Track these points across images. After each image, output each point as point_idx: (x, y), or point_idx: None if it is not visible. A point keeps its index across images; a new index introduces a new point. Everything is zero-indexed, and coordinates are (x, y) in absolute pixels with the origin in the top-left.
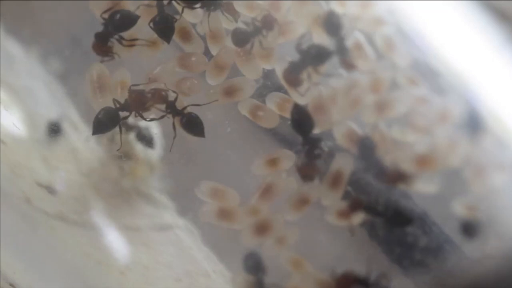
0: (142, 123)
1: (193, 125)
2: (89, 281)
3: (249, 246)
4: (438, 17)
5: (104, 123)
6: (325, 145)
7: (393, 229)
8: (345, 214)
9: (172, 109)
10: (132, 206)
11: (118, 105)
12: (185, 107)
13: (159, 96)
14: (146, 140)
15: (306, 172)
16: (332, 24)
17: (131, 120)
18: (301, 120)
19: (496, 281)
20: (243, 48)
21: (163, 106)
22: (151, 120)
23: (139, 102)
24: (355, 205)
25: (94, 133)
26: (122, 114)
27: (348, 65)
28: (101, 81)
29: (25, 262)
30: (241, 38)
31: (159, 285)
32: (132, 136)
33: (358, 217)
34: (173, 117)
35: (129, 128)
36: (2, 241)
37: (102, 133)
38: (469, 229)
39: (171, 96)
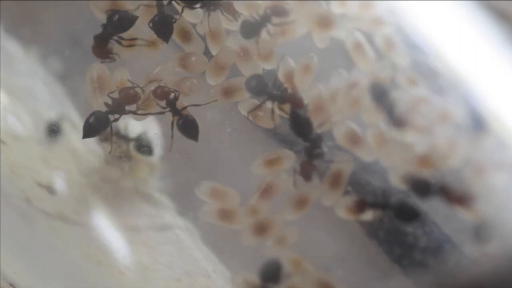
0: (140, 130)
1: (188, 127)
2: (89, 281)
3: (249, 246)
4: (438, 17)
5: (95, 126)
6: (325, 145)
7: (400, 224)
8: (354, 211)
9: (171, 107)
10: (132, 206)
11: (108, 108)
12: (184, 108)
13: (162, 91)
14: (146, 149)
15: (304, 171)
16: (378, 93)
17: (127, 129)
18: (299, 123)
19: (496, 281)
20: (252, 39)
21: (162, 103)
22: (146, 114)
23: (130, 98)
24: (360, 205)
25: (84, 136)
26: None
27: (400, 124)
28: (101, 81)
29: (25, 262)
30: (249, 30)
31: (159, 285)
32: (131, 145)
33: (368, 215)
34: (173, 116)
35: (128, 140)
36: (2, 241)
37: (92, 136)
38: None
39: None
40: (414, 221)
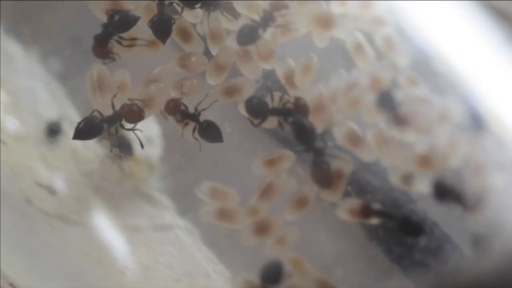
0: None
1: (211, 131)
2: (89, 281)
3: (249, 245)
4: (438, 17)
5: (86, 132)
6: (325, 145)
7: (404, 238)
8: (357, 214)
9: (188, 117)
10: (132, 206)
11: (101, 117)
12: (198, 112)
13: (174, 104)
14: (125, 149)
15: (322, 179)
16: (386, 100)
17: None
18: (303, 131)
19: (496, 281)
20: (247, 46)
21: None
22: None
23: (134, 115)
24: (366, 211)
25: (74, 138)
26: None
27: (401, 122)
28: (101, 81)
29: (25, 262)
30: (245, 37)
31: (159, 285)
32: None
33: (371, 221)
34: (193, 122)
35: (111, 137)
36: (2, 241)
37: (83, 139)
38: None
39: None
40: (416, 236)
